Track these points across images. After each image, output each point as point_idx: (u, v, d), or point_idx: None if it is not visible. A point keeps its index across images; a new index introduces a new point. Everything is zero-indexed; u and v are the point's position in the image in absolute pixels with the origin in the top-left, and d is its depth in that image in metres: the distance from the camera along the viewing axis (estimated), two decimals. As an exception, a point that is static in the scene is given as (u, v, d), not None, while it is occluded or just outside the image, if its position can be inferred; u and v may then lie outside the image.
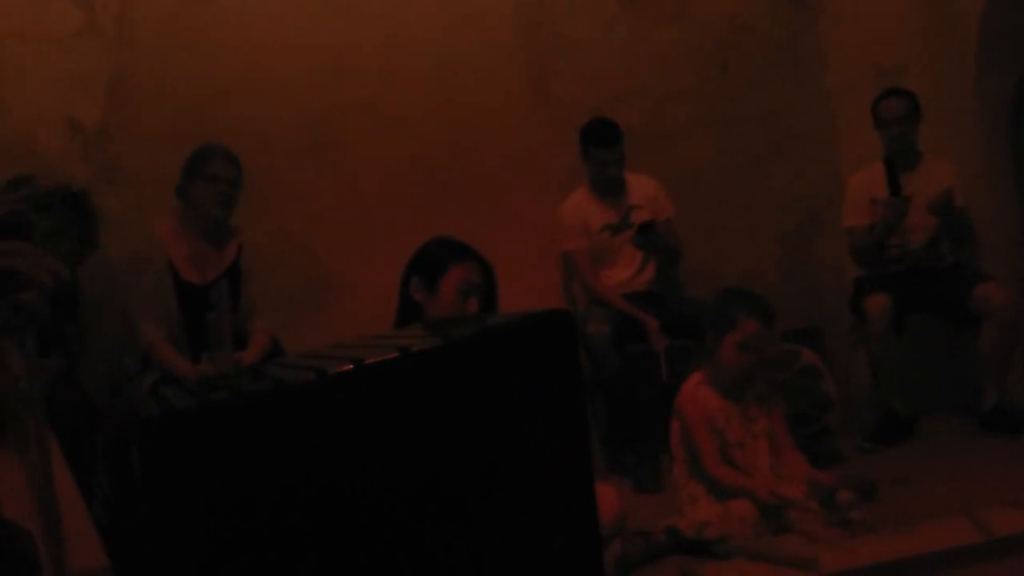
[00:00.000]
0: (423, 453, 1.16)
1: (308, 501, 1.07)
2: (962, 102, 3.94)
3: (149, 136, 3.50)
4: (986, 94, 3.98)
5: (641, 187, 3.76)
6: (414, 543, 1.13)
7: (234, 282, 3.07)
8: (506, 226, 3.86)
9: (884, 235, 3.67)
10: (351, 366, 1.14)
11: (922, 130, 3.72)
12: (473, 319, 2.16)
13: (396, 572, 1.12)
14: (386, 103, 3.85)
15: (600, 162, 3.67)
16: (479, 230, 3.73)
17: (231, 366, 2.71)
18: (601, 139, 3.66)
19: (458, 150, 3.92)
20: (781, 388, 3.00)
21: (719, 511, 2.55)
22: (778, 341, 3.57)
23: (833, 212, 4.00)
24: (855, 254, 3.82)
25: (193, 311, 2.99)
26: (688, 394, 2.77)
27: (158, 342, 3.00)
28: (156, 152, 3.41)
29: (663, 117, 4.14)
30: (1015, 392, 3.71)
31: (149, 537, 1.01)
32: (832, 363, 3.86)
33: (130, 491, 1.06)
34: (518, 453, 1.23)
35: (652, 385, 3.39)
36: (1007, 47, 3.98)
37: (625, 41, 4.13)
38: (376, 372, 1.15)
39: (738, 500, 2.56)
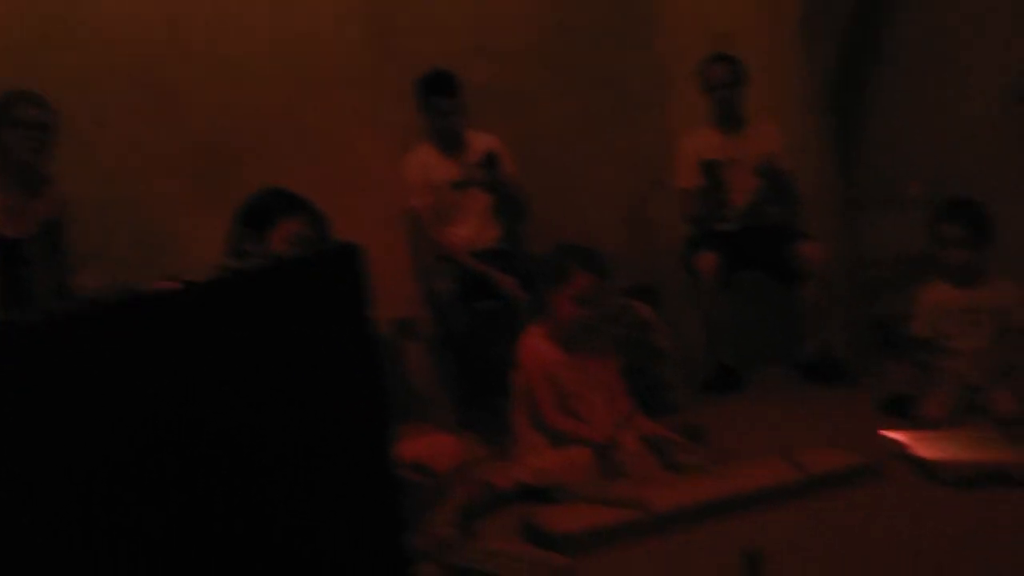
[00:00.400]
0: (208, 385, 1.10)
1: (92, 431, 1.00)
2: (787, 68, 4.16)
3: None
4: (810, 61, 4.23)
5: (484, 144, 3.76)
6: (198, 479, 1.07)
7: (53, 235, 2.88)
8: (351, 180, 3.79)
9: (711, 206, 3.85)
10: (129, 297, 1.08)
11: (749, 94, 3.89)
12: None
13: (178, 511, 1.06)
14: (223, 50, 3.68)
15: (440, 111, 3.63)
16: (323, 183, 3.66)
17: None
18: (440, 87, 3.62)
19: (300, 101, 3.81)
20: (617, 341, 3.11)
21: (558, 459, 2.63)
22: (614, 296, 3.69)
23: (670, 173, 4.15)
24: (686, 215, 3.98)
25: (9, 265, 2.78)
26: (528, 347, 2.83)
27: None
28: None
29: (508, 76, 4.15)
30: (833, 343, 3.99)
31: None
32: (667, 318, 4.03)
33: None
34: (301, 388, 1.17)
35: (499, 341, 3.43)
36: (830, 15, 4.23)
37: (470, -3, 4.11)
38: (155, 304, 1.08)
39: (576, 448, 2.65)
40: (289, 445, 1.15)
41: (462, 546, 2.14)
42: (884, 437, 2.65)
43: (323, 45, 3.84)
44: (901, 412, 2.95)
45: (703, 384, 3.80)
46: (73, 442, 0.98)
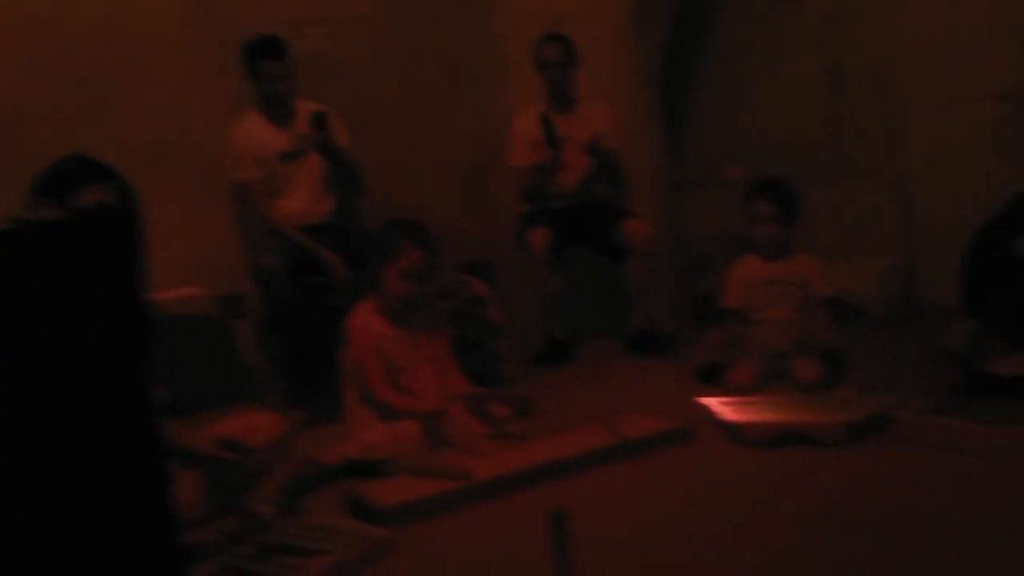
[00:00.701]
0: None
1: None
2: (620, 50, 4.28)
3: None
4: (643, 44, 4.37)
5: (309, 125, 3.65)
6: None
7: None
8: (175, 149, 3.63)
9: (541, 180, 3.91)
10: None
11: (580, 75, 3.97)
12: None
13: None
14: (30, 8, 3.41)
15: (266, 76, 3.50)
16: (145, 152, 3.49)
17: None
18: (265, 51, 3.49)
19: (117, 66, 3.60)
20: (448, 315, 3.13)
21: (385, 433, 2.62)
22: (448, 271, 3.70)
23: (506, 150, 4.19)
24: (519, 192, 4.04)
25: None
26: (357, 322, 2.80)
27: None
28: None
29: (340, 45, 4.08)
30: (657, 317, 4.16)
31: None
32: (501, 293, 4.09)
33: None
34: (50, 362, 1.08)
35: (329, 317, 3.38)
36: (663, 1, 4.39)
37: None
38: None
39: (404, 421, 2.64)
40: (37, 421, 1.07)
41: (281, 523, 2.10)
42: (697, 403, 2.79)
43: (145, 8, 3.64)
44: (714, 380, 3.12)
45: (534, 357, 3.88)
46: None
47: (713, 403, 2.74)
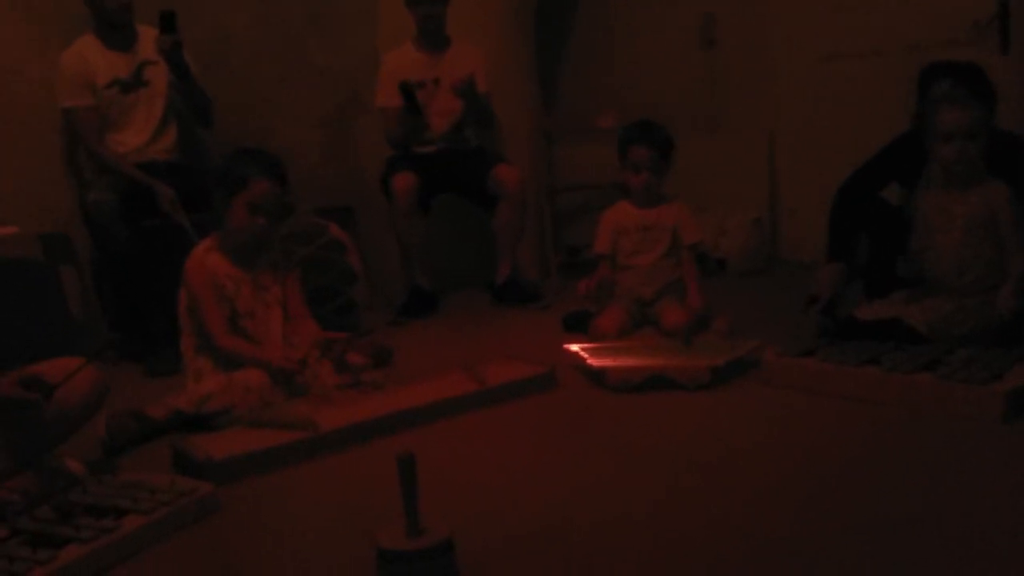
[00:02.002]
0: None
1: None
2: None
3: None
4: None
5: (155, 39, 3.32)
6: None
7: None
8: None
9: (408, 124, 3.70)
10: None
11: (452, 14, 3.77)
12: None
13: None
14: None
15: None
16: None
17: None
18: None
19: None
20: (303, 260, 2.89)
21: (223, 382, 2.38)
22: (305, 215, 3.46)
23: (372, 91, 3.95)
24: (387, 135, 3.81)
25: None
26: (195, 261, 2.53)
27: None
28: None
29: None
30: (524, 267, 4.04)
31: None
32: (366, 240, 3.87)
33: None
34: None
35: (166, 262, 3.08)
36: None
37: None
38: None
39: (244, 370, 2.41)
40: None
41: (92, 481, 1.85)
42: (563, 350, 2.67)
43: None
44: (581, 328, 3.02)
45: (398, 307, 3.69)
46: None
47: (578, 349, 2.62)
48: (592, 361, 2.52)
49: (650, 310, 3.03)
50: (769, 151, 4.46)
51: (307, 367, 2.48)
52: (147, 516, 1.68)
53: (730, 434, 2.08)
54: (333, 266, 3.31)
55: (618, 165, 3.16)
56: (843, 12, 4.11)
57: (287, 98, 4.09)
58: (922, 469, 1.78)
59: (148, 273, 3.11)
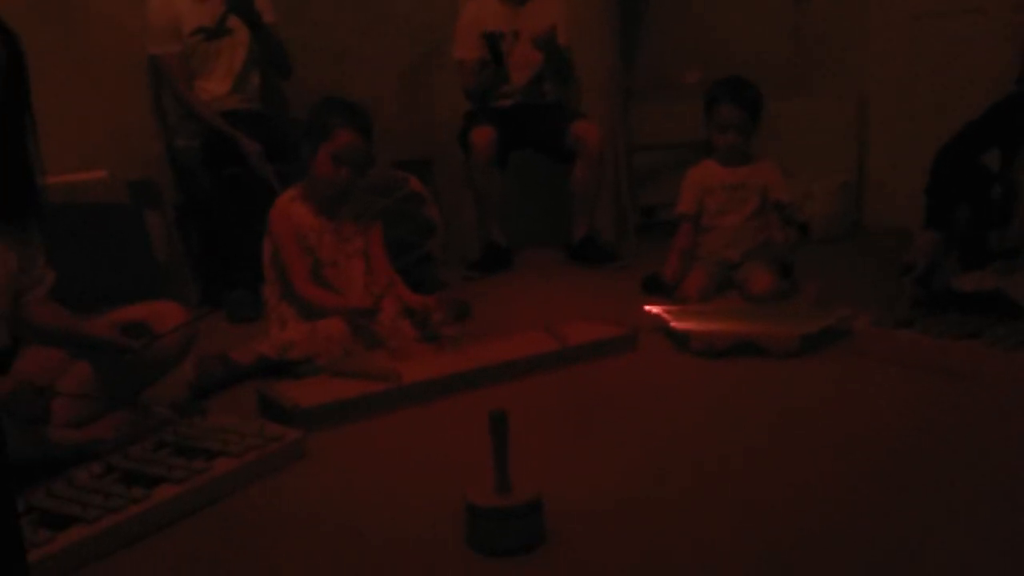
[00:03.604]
0: None
1: None
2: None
3: None
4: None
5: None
6: None
7: None
8: (84, 19, 3.25)
9: (487, 77, 3.65)
10: None
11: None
12: None
13: None
14: None
15: None
16: (52, 20, 3.12)
17: None
18: None
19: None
20: (382, 212, 2.88)
21: (306, 331, 2.40)
22: (385, 166, 3.45)
23: (452, 45, 3.90)
24: (465, 88, 3.77)
25: None
26: (280, 210, 2.54)
27: None
28: None
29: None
30: (601, 226, 3.98)
31: None
32: (441, 194, 3.85)
33: None
34: None
35: (249, 210, 3.10)
36: None
37: None
38: None
39: (327, 319, 2.42)
40: None
41: (183, 423, 1.89)
42: (644, 312, 2.63)
43: None
44: (662, 290, 2.96)
45: (474, 262, 3.67)
46: None
47: (660, 311, 2.57)
48: (676, 324, 2.47)
49: (735, 273, 2.95)
50: (860, 114, 4.29)
51: (385, 320, 2.48)
52: (237, 459, 1.70)
53: (820, 408, 2.01)
54: (412, 219, 3.30)
55: (704, 123, 3.07)
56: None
57: (367, 49, 4.06)
58: (1015, 449, 1.70)
59: (231, 220, 3.14)
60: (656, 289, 3.00)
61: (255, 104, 3.45)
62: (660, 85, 4.48)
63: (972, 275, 2.53)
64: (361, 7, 4.05)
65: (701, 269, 2.94)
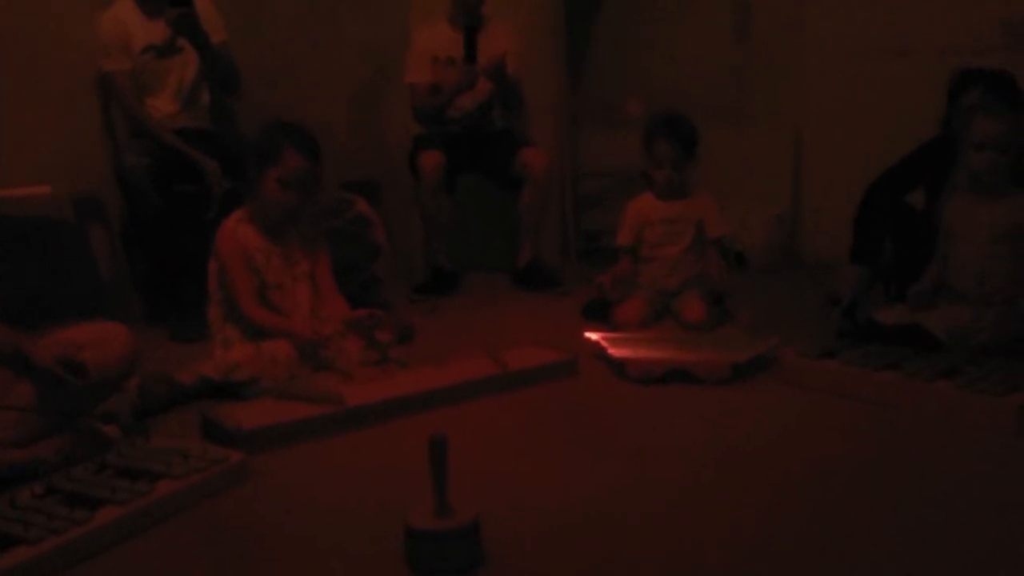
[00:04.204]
0: None
1: None
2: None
3: None
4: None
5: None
6: None
7: None
8: (39, 37, 3.24)
9: (450, 98, 3.72)
10: None
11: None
12: None
13: None
14: None
15: None
16: (5, 39, 3.10)
17: None
18: None
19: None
20: (330, 234, 2.92)
21: (251, 352, 2.42)
22: (333, 188, 3.49)
23: (402, 67, 3.96)
24: (416, 111, 3.83)
25: None
26: (227, 231, 2.57)
27: None
28: None
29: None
30: (546, 252, 4.06)
31: None
32: (389, 216, 3.90)
33: None
34: None
35: (196, 229, 3.12)
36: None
37: None
38: None
39: (272, 341, 2.45)
40: None
41: (125, 444, 1.90)
42: (584, 338, 2.71)
43: None
44: (602, 317, 3.05)
45: (420, 285, 3.73)
46: None
47: (600, 338, 2.66)
48: (613, 351, 2.55)
49: (672, 302, 3.05)
50: (795, 147, 4.46)
51: (332, 341, 2.52)
52: (180, 481, 1.73)
53: (748, 432, 2.11)
54: (359, 241, 3.34)
55: (643, 156, 3.18)
56: (877, 10, 4.10)
57: (318, 70, 4.10)
58: (935, 477, 1.81)
59: (178, 238, 3.15)
60: (597, 315, 3.09)
61: (204, 123, 3.46)
62: (606, 113, 4.61)
63: (894, 308, 2.66)
64: (312, 28, 4.09)
65: (641, 298, 3.04)
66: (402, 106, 3.98)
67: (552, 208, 3.99)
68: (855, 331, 2.66)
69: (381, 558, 1.50)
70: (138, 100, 3.30)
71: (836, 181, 4.05)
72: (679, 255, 3.10)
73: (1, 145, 3.11)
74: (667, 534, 1.59)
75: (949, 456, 1.92)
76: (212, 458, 1.82)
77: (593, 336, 2.69)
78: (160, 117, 3.32)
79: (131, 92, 3.29)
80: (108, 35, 3.27)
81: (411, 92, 3.83)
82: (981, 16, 3.80)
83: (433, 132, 3.80)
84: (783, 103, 4.45)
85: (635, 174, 3.52)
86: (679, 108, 3.23)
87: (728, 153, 4.31)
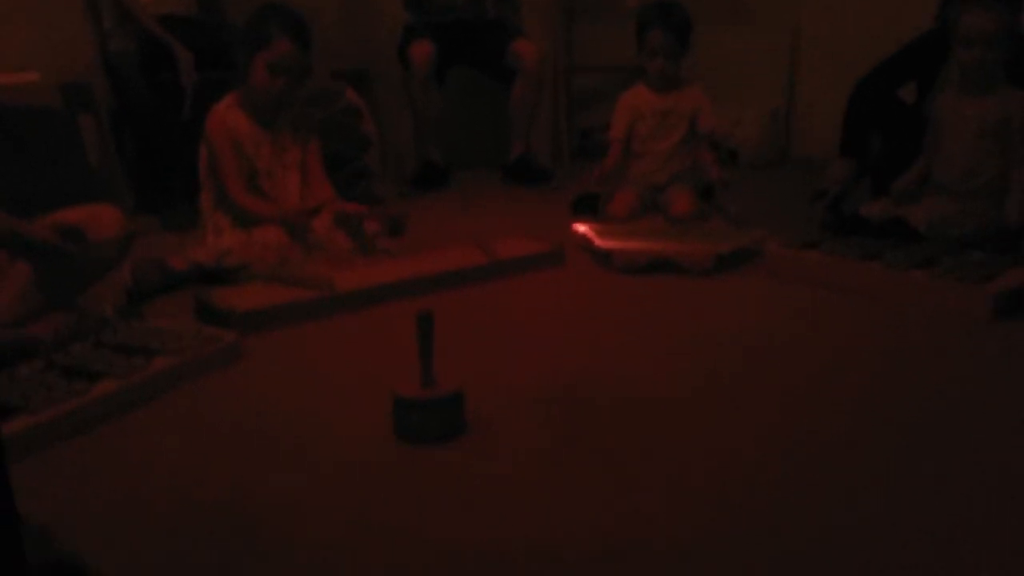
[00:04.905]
0: None
1: None
2: None
3: None
4: None
5: None
6: None
7: None
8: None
9: None
10: None
11: None
12: None
13: None
14: None
15: None
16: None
17: None
18: None
19: None
20: (321, 124, 2.91)
21: (242, 238, 2.46)
22: (324, 77, 3.46)
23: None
24: (404, 0, 3.76)
25: None
26: (216, 117, 2.56)
27: None
28: None
29: None
30: (537, 146, 4.05)
31: None
32: (378, 108, 3.87)
33: None
34: None
35: (184, 116, 3.10)
36: None
37: None
38: None
39: (263, 227, 2.48)
40: None
41: (122, 324, 1.95)
42: (572, 231, 2.74)
43: None
44: (591, 210, 3.07)
45: (409, 178, 3.73)
46: None
47: (586, 229, 2.69)
48: (599, 242, 2.59)
49: (660, 196, 3.07)
50: (792, 44, 4.40)
51: (320, 230, 2.54)
52: (176, 358, 1.78)
53: (726, 321, 2.16)
54: (348, 132, 3.32)
55: (637, 48, 3.14)
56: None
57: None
58: (911, 363, 1.87)
59: (166, 126, 3.14)
60: (585, 209, 3.11)
61: (191, 9, 3.40)
62: (602, 7, 4.51)
63: (879, 202, 2.69)
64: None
65: (630, 191, 3.05)
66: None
67: (545, 103, 3.96)
68: (840, 224, 2.69)
69: (371, 427, 1.56)
70: (122, -16, 3.23)
71: (831, 79, 3.99)
72: (670, 149, 3.09)
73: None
74: (639, 412, 1.66)
75: (923, 343, 1.98)
76: (206, 337, 1.87)
77: (580, 228, 2.72)
78: (146, 2, 3.26)
79: (114, -24, 3.22)
80: (89, -84, 3.19)
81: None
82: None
83: (423, 22, 3.73)
84: (781, 1, 4.37)
85: (631, 70, 3.49)
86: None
87: (725, 49, 4.26)
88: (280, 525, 1.29)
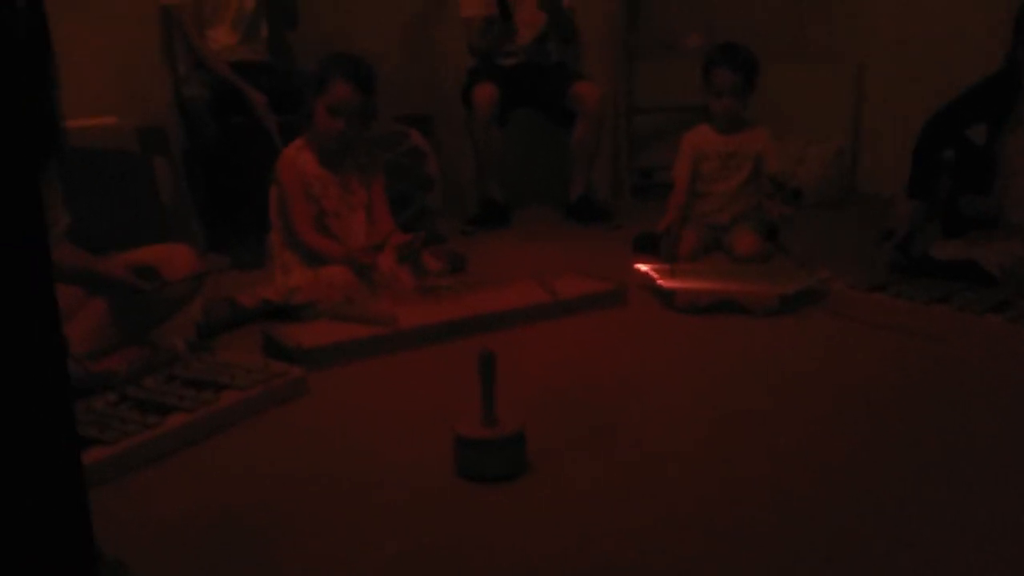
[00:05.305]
0: None
1: None
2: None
3: None
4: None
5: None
6: None
7: None
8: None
9: (492, 35, 3.72)
10: None
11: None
12: None
13: None
14: None
15: None
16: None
17: None
18: None
19: None
20: (386, 165, 2.98)
21: (309, 277, 2.51)
22: (387, 120, 3.54)
23: (458, 3, 3.95)
24: (468, 45, 3.84)
25: None
26: (287, 160, 2.64)
27: None
28: None
29: None
30: (598, 186, 4.07)
31: None
32: (441, 149, 3.94)
33: None
34: None
35: (255, 159, 3.19)
36: None
37: None
38: None
39: (330, 266, 2.53)
40: None
41: (192, 358, 2.00)
42: (634, 270, 2.74)
43: None
44: (652, 250, 3.06)
45: (471, 218, 3.77)
46: None
47: (648, 269, 2.68)
48: (662, 281, 2.58)
49: (723, 236, 3.05)
50: (856, 81, 4.36)
51: (384, 269, 2.58)
52: (244, 392, 1.82)
53: (792, 362, 2.13)
54: (412, 173, 3.39)
55: (701, 87, 3.14)
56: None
57: (372, 3, 4.12)
58: (978, 406, 1.82)
59: (236, 168, 3.24)
60: (647, 248, 3.10)
61: (263, 55, 3.52)
62: (662, 48, 4.54)
63: (950, 243, 2.64)
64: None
65: (691, 231, 3.04)
66: (456, 38, 3.98)
67: (605, 143, 3.98)
68: (908, 265, 2.64)
69: (433, 465, 1.57)
70: (198, 31, 3.36)
71: (897, 117, 3.96)
72: (733, 190, 3.08)
73: (67, 76, 3.20)
74: (707, 453, 1.64)
75: (993, 387, 1.92)
76: (273, 372, 1.91)
77: (642, 267, 2.72)
78: (218, 48, 3.38)
79: (192, 24, 3.35)
80: (169, -32, 3.33)
81: (466, 26, 3.83)
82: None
83: (487, 65, 3.80)
84: (845, 34, 4.35)
85: (691, 110, 3.50)
86: (739, 40, 3.18)
87: (789, 87, 4.24)
88: (343, 558, 1.30)
